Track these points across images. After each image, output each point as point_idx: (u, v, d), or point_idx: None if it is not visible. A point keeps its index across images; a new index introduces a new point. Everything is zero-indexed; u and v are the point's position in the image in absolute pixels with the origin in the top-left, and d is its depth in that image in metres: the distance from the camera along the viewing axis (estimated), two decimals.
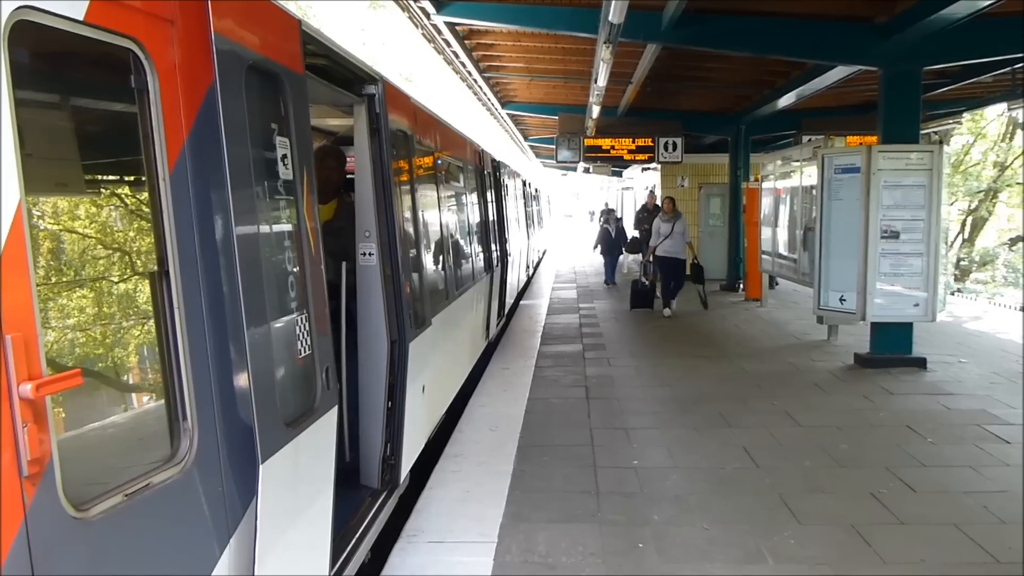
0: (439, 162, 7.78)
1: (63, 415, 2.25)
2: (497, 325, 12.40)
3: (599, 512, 5.58)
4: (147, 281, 2.68)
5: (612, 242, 20.91)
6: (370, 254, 5.08)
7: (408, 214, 5.97)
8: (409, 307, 5.48)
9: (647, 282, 15.59)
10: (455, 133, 9.11)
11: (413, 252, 6.07)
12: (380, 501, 5.16)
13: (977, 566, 4.76)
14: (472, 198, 10.40)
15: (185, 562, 2.67)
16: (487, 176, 11.88)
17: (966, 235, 34.48)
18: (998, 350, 11.52)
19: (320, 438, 3.62)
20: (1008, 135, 32.32)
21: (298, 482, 3.41)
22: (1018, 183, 32.22)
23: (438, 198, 7.59)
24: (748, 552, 4.94)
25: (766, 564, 4.79)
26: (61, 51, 2.39)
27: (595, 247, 22.49)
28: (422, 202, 6.57)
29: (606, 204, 33.12)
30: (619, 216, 24.13)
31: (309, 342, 3.54)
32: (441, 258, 7.60)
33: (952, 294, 21.39)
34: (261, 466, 2.93)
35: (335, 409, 3.84)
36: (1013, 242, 33.34)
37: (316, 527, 3.68)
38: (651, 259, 15.09)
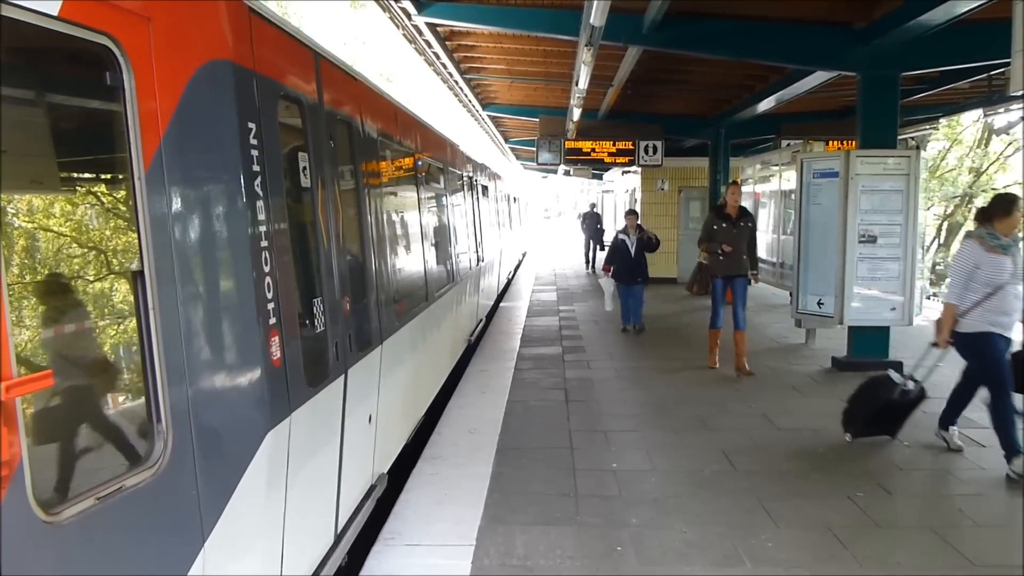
0: (399, 157, 7.02)
1: (34, 417, 2.22)
2: (475, 330, 12.36)
3: (578, 515, 5.57)
4: (122, 280, 2.65)
5: (633, 265, 12.97)
6: None
7: (355, 217, 5.24)
8: (350, 327, 4.74)
9: (908, 385, 7.13)
10: (424, 127, 8.42)
11: (362, 260, 5.33)
12: (358, 503, 5.13)
13: (953, 569, 4.79)
14: (447, 200, 10.17)
15: (157, 567, 2.63)
16: (464, 177, 11.79)
17: (942, 240, 34.82)
18: None
19: (332, 396, 4.30)
20: (984, 141, 32.71)
21: (316, 425, 4.05)
22: (993, 189, 32.60)
23: (402, 199, 7.05)
24: (726, 555, 4.95)
25: (744, 567, 4.80)
26: (36, 47, 2.36)
27: (607, 266, 13.46)
28: (375, 204, 5.71)
29: (592, 206, 29.35)
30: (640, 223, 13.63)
31: (323, 321, 4.19)
32: (406, 266, 6.98)
33: (928, 298, 21.57)
34: (292, 414, 3.57)
35: (343, 376, 4.47)
36: None
37: (330, 461, 4.40)
38: (951, 339, 6.73)
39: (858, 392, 7.39)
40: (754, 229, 10.33)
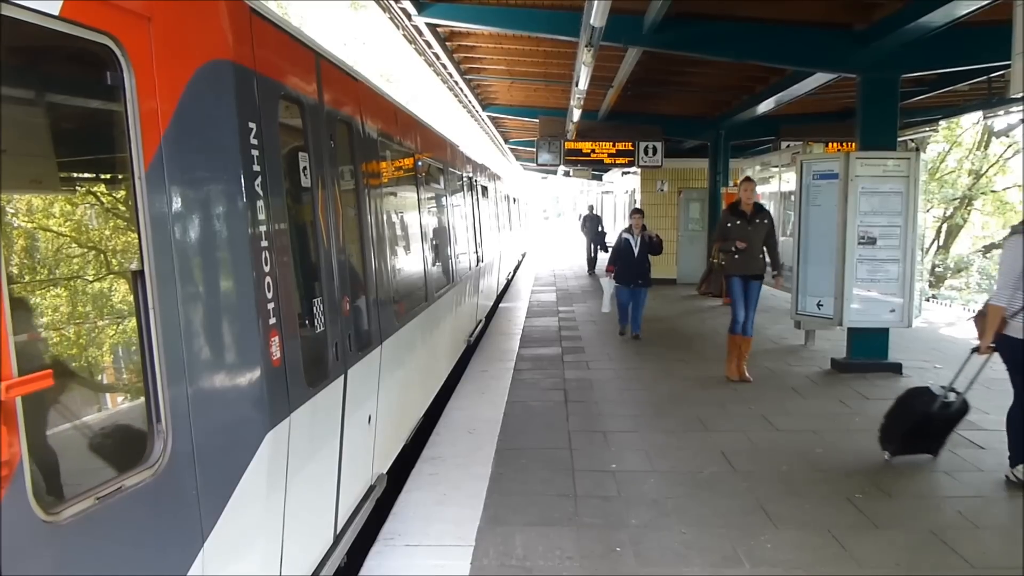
0: (399, 158, 7.00)
1: (34, 416, 2.21)
2: (475, 331, 12.35)
3: (577, 515, 5.57)
4: (122, 280, 2.65)
5: (635, 266, 12.35)
6: None
7: (354, 217, 5.22)
8: (350, 327, 4.75)
9: (948, 397, 6.59)
10: (424, 127, 8.38)
11: (361, 260, 5.32)
12: (357, 504, 5.13)
13: (951, 571, 4.79)
14: (446, 200, 10.14)
15: (157, 567, 2.63)
16: (464, 177, 11.77)
17: (941, 242, 34.90)
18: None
19: (331, 397, 4.30)
20: (983, 143, 32.74)
21: (316, 425, 4.06)
22: (993, 191, 32.65)
23: (402, 200, 7.04)
24: (725, 556, 4.94)
25: (742, 567, 4.80)
26: (37, 46, 2.36)
27: (609, 267, 12.90)
28: (375, 205, 5.70)
29: (590, 208, 29.16)
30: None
31: (322, 321, 4.20)
32: (406, 266, 6.98)
33: (927, 300, 21.58)
34: (291, 415, 3.57)
35: (342, 376, 4.47)
36: (987, 249, 33.77)
37: (329, 461, 4.39)
38: (992, 344, 6.21)
39: (895, 406, 6.82)
40: (772, 226, 9.65)
